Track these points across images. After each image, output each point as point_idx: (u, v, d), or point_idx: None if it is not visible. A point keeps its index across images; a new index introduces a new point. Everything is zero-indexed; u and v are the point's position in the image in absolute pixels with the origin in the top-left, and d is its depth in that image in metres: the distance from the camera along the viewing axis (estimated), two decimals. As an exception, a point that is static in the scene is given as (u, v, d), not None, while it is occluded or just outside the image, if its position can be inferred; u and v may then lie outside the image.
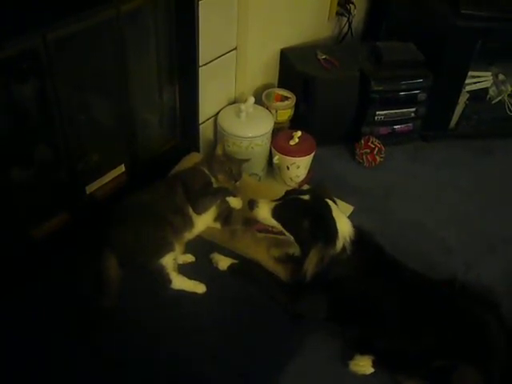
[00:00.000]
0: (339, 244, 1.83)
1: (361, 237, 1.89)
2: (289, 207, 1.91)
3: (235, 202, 2.15)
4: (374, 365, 1.85)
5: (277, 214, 1.91)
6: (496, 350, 1.75)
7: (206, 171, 2.15)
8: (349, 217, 2.34)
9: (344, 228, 1.87)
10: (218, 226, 2.16)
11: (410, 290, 1.86)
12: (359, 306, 1.86)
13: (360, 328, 1.89)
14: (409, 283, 1.88)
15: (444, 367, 1.70)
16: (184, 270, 2.02)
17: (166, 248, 1.95)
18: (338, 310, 1.88)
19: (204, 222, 2.12)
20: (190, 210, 2.05)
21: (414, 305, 1.83)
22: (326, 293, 1.88)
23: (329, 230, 1.84)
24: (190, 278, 2.00)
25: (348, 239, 1.85)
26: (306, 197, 1.90)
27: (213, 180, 2.15)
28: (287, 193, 1.98)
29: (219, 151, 2.21)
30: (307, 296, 1.91)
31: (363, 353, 1.87)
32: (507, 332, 1.78)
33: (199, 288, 2.00)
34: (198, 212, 2.07)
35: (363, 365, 1.85)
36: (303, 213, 1.87)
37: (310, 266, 1.85)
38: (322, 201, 1.91)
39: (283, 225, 1.92)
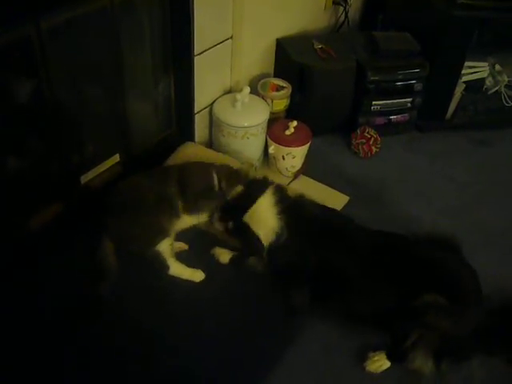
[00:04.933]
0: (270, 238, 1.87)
1: (298, 216, 1.91)
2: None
3: None
4: (389, 358, 1.84)
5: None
6: (458, 280, 1.81)
7: (214, 175, 2.08)
8: (344, 207, 2.38)
9: (270, 223, 1.87)
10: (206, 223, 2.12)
11: (371, 247, 1.88)
12: (331, 278, 1.87)
13: (339, 300, 1.91)
14: (370, 241, 1.91)
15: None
16: (179, 259, 2.02)
17: (161, 234, 1.94)
18: (315, 288, 1.90)
19: (191, 220, 2.08)
20: (179, 203, 2.01)
21: (379, 261, 1.85)
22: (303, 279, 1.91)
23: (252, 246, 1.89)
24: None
25: (279, 230, 1.86)
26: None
27: (216, 184, 2.08)
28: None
29: (242, 165, 2.19)
30: (292, 289, 1.94)
31: (375, 349, 1.87)
32: (469, 268, 1.86)
33: (197, 276, 1.99)
34: (191, 212, 2.04)
35: (378, 359, 1.84)
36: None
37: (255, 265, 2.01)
38: (240, 229, 1.93)
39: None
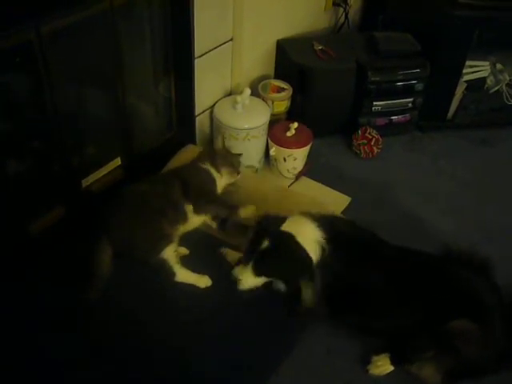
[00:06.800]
0: (317, 252, 1.79)
1: (338, 230, 1.86)
2: (264, 263, 1.82)
3: (248, 211, 2.11)
4: (393, 362, 1.83)
5: (259, 272, 1.84)
6: (488, 304, 1.77)
7: (209, 167, 2.12)
8: (346, 208, 2.38)
9: (313, 235, 1.80)
10: (213, 225, 2.14)
11: (399, 266, 1.85)
12: (354, 293, 1.84)
13: (359, 315, 1.89)
14: (398, 260, 1.88)
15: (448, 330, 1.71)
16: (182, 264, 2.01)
17: (165, 240, 1.94)
18: (334, 302, 1.87)
19: (199, 220, 2.09)
20: (186, 207, 2.02)
21: (406, 280, 1.82)
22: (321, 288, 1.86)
23: (304, 266, 1.79)
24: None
25: (322, 242, 1.79)
26: (266, 244, 1.79)
27: (215, 175, 2.13)
28: (249, 248, 1.87)
29: (220, 145, 2.19)
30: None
31: (378, 352, 1.85)
32: (497, 289, 1.81)
33: (203, 281, 1.98)
34: (199, 213, 2.05)
35: (382, 364, 1.83)
36: (276, 262, 1.82)
37: (309, 298, 1.85)
38: (281, 241, 1.81)
39: (270, 277, 1.88)
